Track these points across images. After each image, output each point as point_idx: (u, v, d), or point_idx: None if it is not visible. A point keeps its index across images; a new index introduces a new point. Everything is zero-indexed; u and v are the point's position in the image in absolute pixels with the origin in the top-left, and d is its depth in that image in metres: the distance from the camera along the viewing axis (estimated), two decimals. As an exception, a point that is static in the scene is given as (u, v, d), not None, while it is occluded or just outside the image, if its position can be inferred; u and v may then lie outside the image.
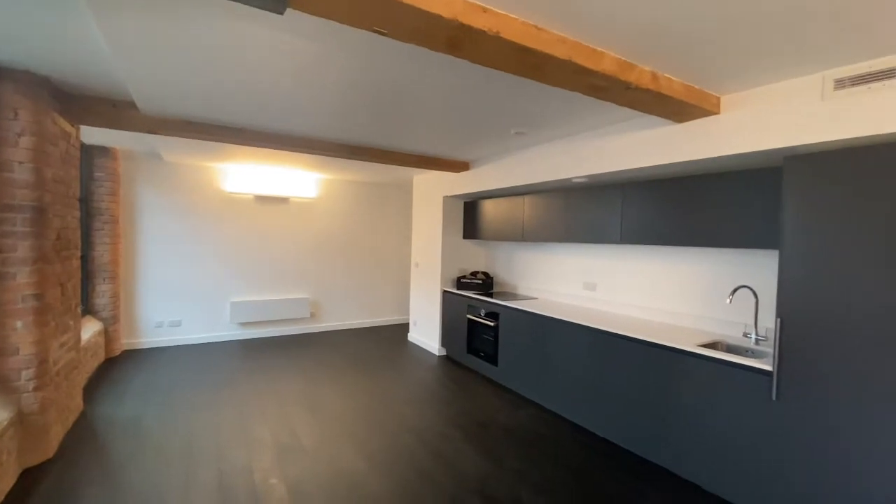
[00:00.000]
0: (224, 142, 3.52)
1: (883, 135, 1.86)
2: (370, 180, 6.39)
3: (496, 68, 1.87)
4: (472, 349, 4.73)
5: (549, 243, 4.55)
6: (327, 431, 3.23)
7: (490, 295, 4.72)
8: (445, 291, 5.21)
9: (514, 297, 4.62)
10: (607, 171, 3.09)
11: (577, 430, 3.33)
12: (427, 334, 5.57)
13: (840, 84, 1.96)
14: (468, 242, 5.47)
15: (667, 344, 2.76)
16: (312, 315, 6.30)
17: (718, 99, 2.42)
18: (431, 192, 5.45)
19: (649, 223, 3.18)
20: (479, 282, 5.00)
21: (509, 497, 2.48)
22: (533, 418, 3.54)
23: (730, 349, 2.79)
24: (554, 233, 4.01)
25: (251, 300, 5.80)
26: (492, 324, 4.36)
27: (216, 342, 5.59)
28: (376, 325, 6.84)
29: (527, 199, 4.32)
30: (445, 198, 5.22)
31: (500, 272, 5.35)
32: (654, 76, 2.11)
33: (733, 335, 2.94)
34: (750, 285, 2.82)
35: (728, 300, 2.84)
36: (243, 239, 5.77)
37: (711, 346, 2.75)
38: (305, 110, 2.93)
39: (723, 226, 2.73)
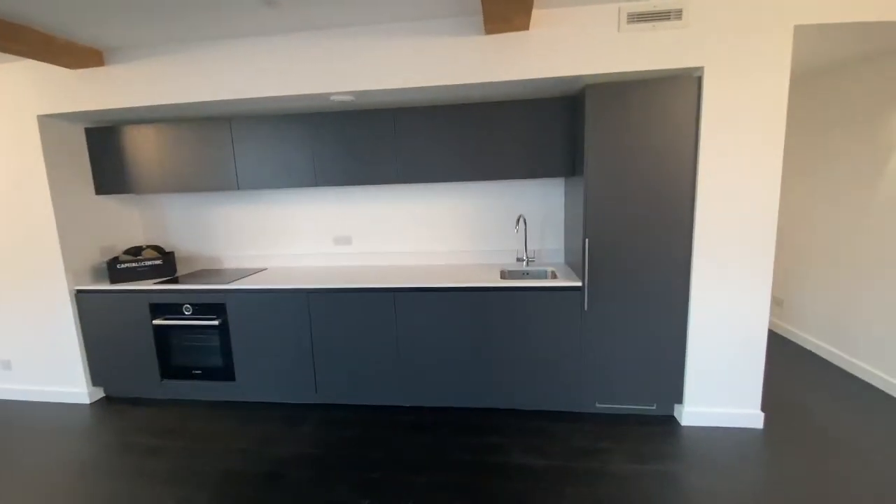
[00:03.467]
0: None
1: (662, 70, 2.21)
2: None
3: None
4: (172, 371, 2.95)
5: (283, 190, 3.30)
6: None
7: (177, 280, 3.02)
8: (84, 292, 2.92)
9: (227, 275, 3.15)
10: (394, 86, 2.37)
11: (388, 413, 2.73)
12: (47, 375, 3.04)
13: (632, 18, 2.17)
14: (110, 201, 3.22)
15: (476, 285, 2.57)
16: None
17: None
18: (-8, 106, 2.72)
19: (429, 157, 2.76)
20: (158, 262, 3.07)
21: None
22: (327, 426, 2.62)
23: (511, 275, 2.95)
24: (293, 176, 2.88)
25: None
26: (213, 322, 2.81)
27: None
28: None
29: (237, 124, 2.86)
30: (44, 119, 2.74)
31: (183, 243, 3.51)
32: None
33: (508, 262, 3.12)
34: (522, 214, 3.02)
35: (515, 230, 2.94)
36: None
37: (502, 276, 2.79)
38: None
39: (512, 158, 2.70)
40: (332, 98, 2.56)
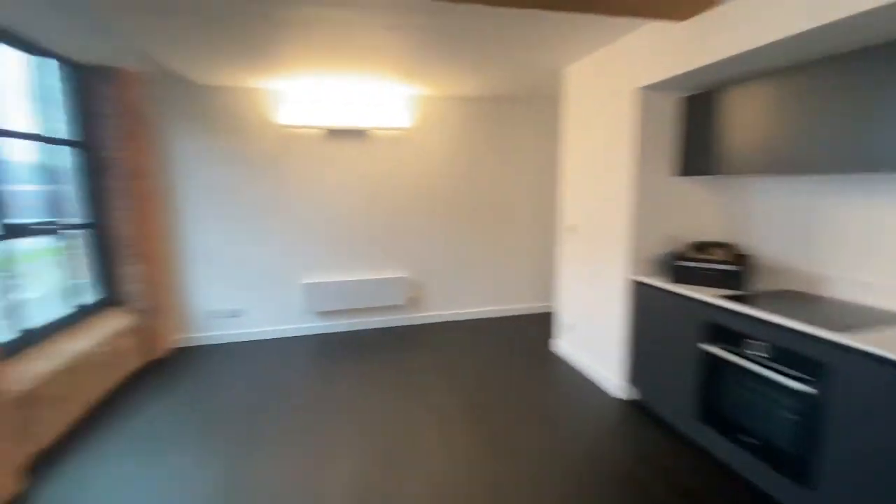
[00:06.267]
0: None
1: None
2: (490, 92, 3.96)
3: None
4: (711, 415, 2.20)
5: None
6: None
7: (746, 300, 2.08)
8: (639, 283, 2.68)
9: (835, 312, 1.88)
10: None
11: None
12: (591, 351, 3.16)
13: None
14: (687, 184, 2.76)
15: None
16: (411, 301, 4.37)
17: None
18: (605, 86, 2.81)
19: None
20: (730, 268, 2.34)
21: None
22: None
23: None
24: None
25: (329, 281, 4.06)
26: (798, 386, 1.76)
27: (288, 337, 4.06)
28: (500, 315, 4.64)
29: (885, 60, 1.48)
30: (641, 92, 2.56)
31: (767, 245, 2.57)
32: None
33: None
34: None
35: None
36: (310, 191, 3.97)
37: None
38: None
39: None
40: None
